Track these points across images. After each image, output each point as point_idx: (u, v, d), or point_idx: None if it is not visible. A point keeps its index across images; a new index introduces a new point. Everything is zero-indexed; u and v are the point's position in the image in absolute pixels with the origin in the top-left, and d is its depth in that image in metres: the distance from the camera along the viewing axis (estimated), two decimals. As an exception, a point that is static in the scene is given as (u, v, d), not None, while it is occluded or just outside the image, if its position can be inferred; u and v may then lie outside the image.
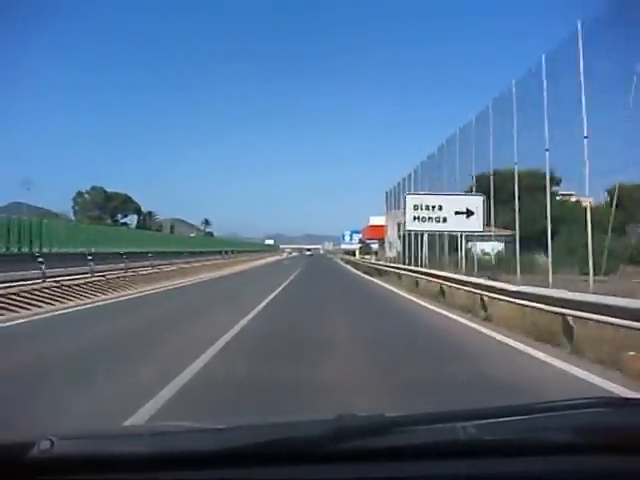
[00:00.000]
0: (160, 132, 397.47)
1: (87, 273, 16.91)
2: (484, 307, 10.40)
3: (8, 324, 9.57)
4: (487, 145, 18.46)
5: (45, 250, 17.06)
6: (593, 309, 6.48)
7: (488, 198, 18.97)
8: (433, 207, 19.60)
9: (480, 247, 24.22)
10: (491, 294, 10.11)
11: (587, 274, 11.44)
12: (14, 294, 12.08)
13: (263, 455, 1.13)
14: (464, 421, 1.20)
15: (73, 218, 60.97)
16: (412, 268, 22.01)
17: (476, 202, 19.14)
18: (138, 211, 74.54)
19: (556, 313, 7.36)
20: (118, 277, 18.80)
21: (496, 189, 18.63)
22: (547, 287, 10.61)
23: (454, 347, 7.65)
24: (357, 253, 65.26)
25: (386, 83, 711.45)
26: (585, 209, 12.84)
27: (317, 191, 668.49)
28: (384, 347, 7.31)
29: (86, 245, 20.37)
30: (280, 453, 1.13)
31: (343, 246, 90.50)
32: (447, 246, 22.70)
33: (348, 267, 45.73)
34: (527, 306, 8.42)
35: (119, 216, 72.11)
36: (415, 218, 19.94)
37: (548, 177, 14.38)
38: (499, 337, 8.12)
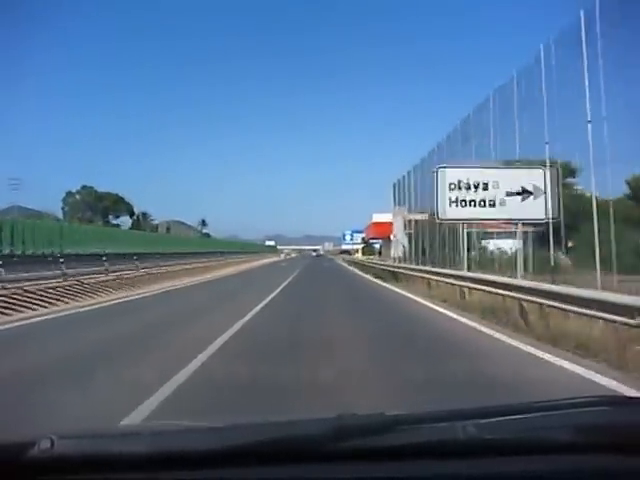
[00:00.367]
0: (158, 132, 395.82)
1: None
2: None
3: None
4: (488, 138, 16.98)
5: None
6: None
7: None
8: (476, 186, 13.99)
9: (495, 245, 21.80)
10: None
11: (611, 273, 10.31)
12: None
13: (263, 454, 1.12)
14: (464, 420, 1.19)
15: (62, 219, 58.50)
16: (447, 272, 15.42)
17: (536, 177, 13.77)
18: (131, 212, 72.48)
19: None
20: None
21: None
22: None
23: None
24: (360, 253, 63.16)
25: (385, 80, 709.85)
26: (608, 203, 11.40)
27: (317, 191, 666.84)
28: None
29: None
30: (280, 452, 1.13)
31: (344, 246, 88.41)
32: (457, 242, 19.76)
33: (352, 269, 40.49)
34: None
35: (110, 217, 69.98)
36: (453, 202, 14.15)
37: (548, 164, 13.37)
38: None
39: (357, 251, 70.38)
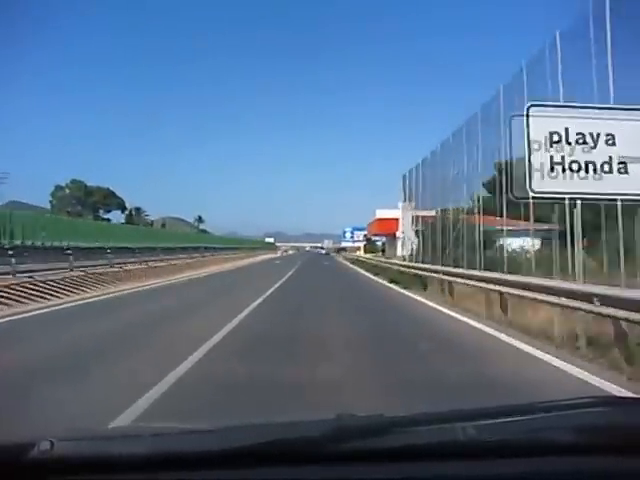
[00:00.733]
0: (157, 130, 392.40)
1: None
2: None
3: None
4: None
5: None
6: None
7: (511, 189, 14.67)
8: (582, 141, 8.81)
9: (510, 244, 19.03)
10: None
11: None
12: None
13: (262, 455, 1.12)
14: (463, 421, 1.19)
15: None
16: (512, 278, 10.11)
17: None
18: (122, 206, 69.70)
19: None
20: None
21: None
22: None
23: None
24: (362, 251, 59.74)
25: (386, 79, 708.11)
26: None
27: (316, 190, 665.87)
28: None
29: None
30: (279, 453, 1.13)
31: (344, 244, 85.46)
32: (469, 239, 17.43)
33: (359, 270, 33.72)
34: None
35: (101, 212, 67.12)
36: (555, 166, 8.90)
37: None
38: None
39: (358, 249, 66.89)
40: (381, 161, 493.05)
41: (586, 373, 5.60)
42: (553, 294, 7.62)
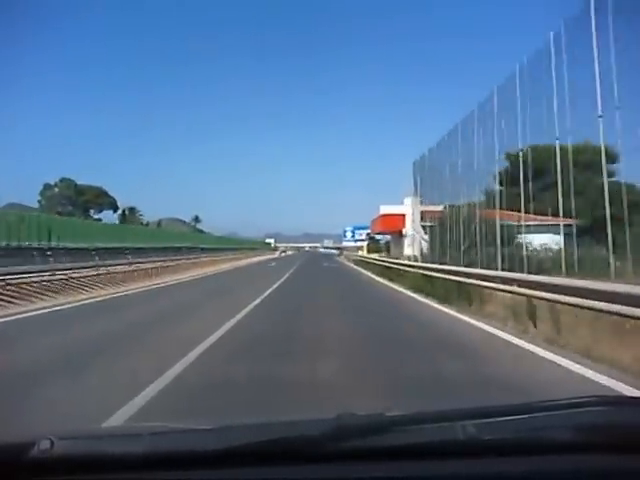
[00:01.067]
0: (155, 131, 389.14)
1: None
2: None
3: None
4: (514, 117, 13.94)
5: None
6: None
7: (525, 180, 13.75)
8: None
9: (530, 241, 17.24)
10: None
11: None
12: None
13: (262, 454, 1.12)
14: (463, 420, 1.18)
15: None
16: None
17: None
18: (114, 206, 67.41)
19: None
20: None
21: (536, 169, 13.77)
22: None
23: None
24: (365, 250, 57.50)
25: (383, 78, 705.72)
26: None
27: (314, 190, 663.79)
28: None
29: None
30: (280, 453, 1.12)
31: (345, 243, 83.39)
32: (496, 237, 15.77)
33: (370, 275, 26.90)
34: None
35: (92, 211, 64.87)
36: None
37: (603, 150, 10.20)
38: None
39: (360, 248, 64.44)
40: (379, 161, 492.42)
41: None
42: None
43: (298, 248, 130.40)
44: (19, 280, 13.45)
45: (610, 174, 12.15)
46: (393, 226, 37.32)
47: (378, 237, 57.19)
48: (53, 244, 18.01)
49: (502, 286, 9.75)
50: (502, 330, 8.32)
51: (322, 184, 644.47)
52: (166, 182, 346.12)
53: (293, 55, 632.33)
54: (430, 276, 15.35)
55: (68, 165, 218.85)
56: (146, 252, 25.62)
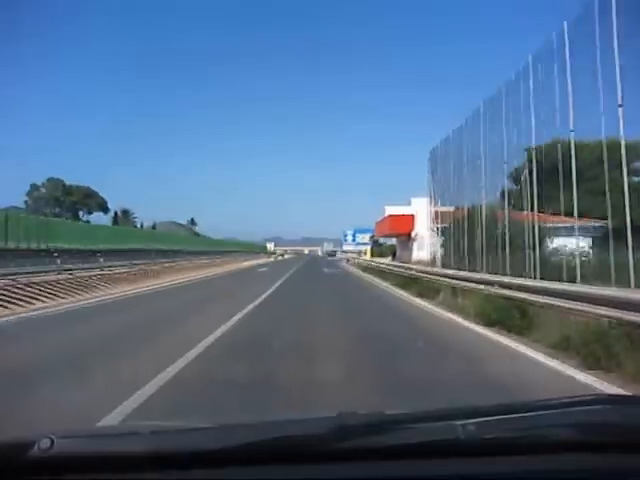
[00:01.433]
0: (155, 133, 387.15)
1: None
2: None
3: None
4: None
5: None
6: None
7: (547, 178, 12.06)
8: None
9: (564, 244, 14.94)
10: None
11: None
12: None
13: (263, 453, 1.11)
14: (463, 419, 1.17)
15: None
16: None
17: None
18: (104, 207, 64.41)
19: None
20: None
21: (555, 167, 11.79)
22: None
23: None
24: (368, 254, 54.11)
25: (385, 82, 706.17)
26: None
27: (314, 194, 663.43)
28: None
29: None
30: (280, 452, 1.11)
31: (345, 247, 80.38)
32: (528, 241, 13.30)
33: (383, 285, 21.28)
34: None
35: (81, 213, 61.84)
36: None
37: (624, 144, 8.97)
38: None
39: (365, 253, 60.80)
40: (380, 164, 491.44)
41: None
42: None
43: (297, 252, 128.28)
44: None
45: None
46: (401, 227, 34.43)
47: (384, 239, 54.24)
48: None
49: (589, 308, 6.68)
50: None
51: (322, 188, 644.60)
52: (167, 186, 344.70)
53: (293, 57, 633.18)
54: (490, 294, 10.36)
55: (61, 167, 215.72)
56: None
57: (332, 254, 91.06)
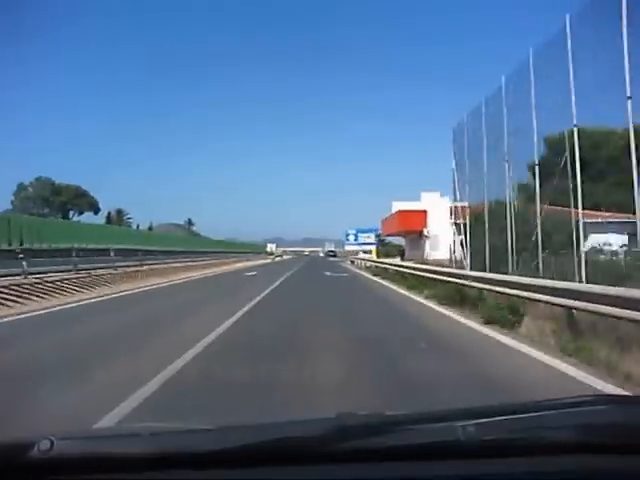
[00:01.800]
0: (155, 134, 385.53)
1: None
2: None
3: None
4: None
5: None
6: None
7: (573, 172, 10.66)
8: None
9: (607, 241, 13.68)
10: None
11: None
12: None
13: (262, 454, 1.10)
14: (463, 420, 1.16)
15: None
16: None
17: None
18: (95, 207, 62.03)
19: None
20: None
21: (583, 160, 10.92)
22: None
23: None
24: (374, 254, 51.24)
25: (385, 82, 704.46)
26: None
27: (315, 194, 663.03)
28: None
29: None
30: (280, 453, 1.11)
31: (347, 247, 77.94)
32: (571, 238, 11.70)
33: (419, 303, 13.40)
34: None
35: (71, 213, 59.46)
36: None
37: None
38: None
39: (370, 252, 57.78)
40: (380, 163, 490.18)
41: None
42: None
43: (296, 252, 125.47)
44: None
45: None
46: (412, 224, 31.94)
47: (390, 238, 51.93)
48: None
49: None
50: None
51: (323, 189, 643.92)
52: (168, 186, 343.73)
53: (294, 57, 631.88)
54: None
55: (57, 169, 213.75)
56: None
57: (332, 254, 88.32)
